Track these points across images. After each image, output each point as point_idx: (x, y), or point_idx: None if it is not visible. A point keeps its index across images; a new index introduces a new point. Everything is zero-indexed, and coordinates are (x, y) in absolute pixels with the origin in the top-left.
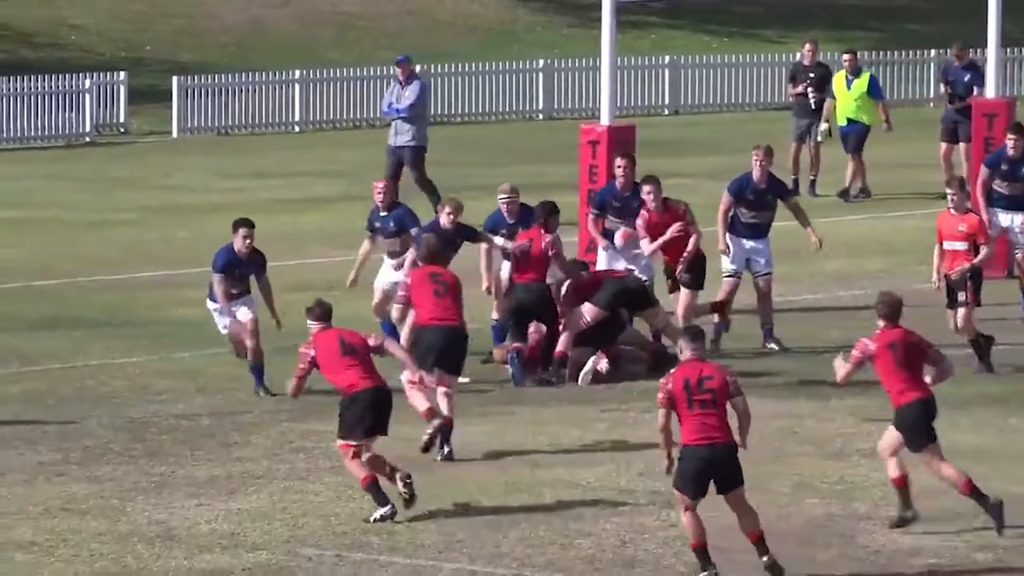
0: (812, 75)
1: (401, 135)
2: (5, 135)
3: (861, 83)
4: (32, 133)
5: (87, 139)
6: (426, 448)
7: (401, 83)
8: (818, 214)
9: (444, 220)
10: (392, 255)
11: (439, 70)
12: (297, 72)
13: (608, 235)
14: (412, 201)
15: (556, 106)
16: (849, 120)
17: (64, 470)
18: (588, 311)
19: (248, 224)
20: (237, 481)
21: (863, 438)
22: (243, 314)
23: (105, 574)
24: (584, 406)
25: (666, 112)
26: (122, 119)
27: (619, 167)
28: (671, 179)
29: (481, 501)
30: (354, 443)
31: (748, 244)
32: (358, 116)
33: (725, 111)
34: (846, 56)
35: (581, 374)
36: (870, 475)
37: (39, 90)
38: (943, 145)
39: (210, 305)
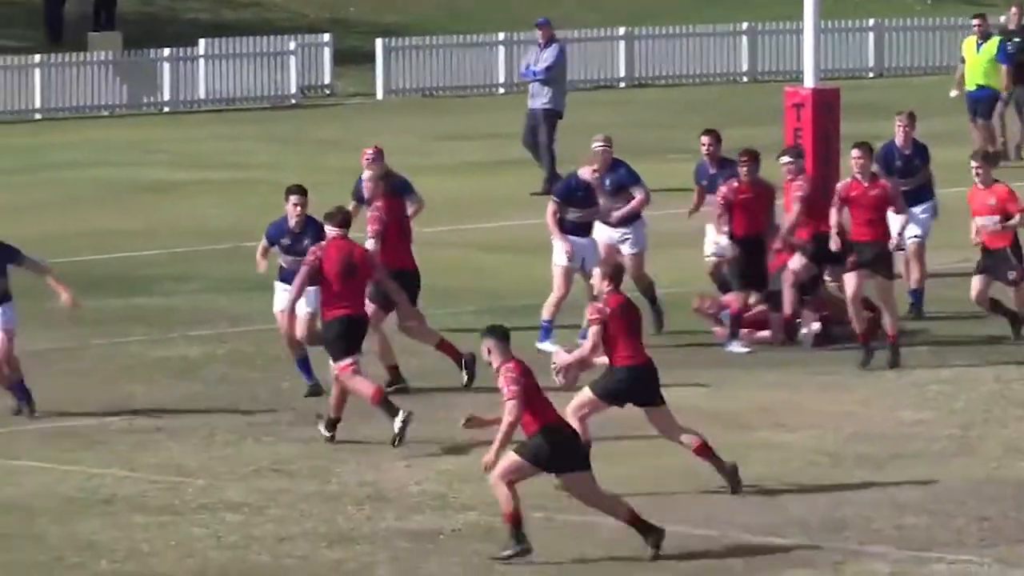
0: (1018, 39)
1: (538, 97)
2: (211, 96)
3: (990, 47)
4: (238, 94)
5: (292, 101)
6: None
7: (540, 46)
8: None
9: (587, 174)
10: None
11: (643, 32)
12: (501, 34)
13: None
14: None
15: (760, 68)
16: (979, 85)
17: (273, 431)
18: (797, 264)
19: (299, 191)
20: (445, 442)
21: None
22: (299, 307)
23: (315, 534)
24: (791, 368)
25: (871, 75)
26: (327, 81)
27: (703, 144)
28: (875, 141)
29: (688, 463)
30: (350, 361)
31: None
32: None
33: (930, 73)
34: (976, 20)
35: (801, 335)
36: None
37: (244, 52)
38: None
39: (278, 285)
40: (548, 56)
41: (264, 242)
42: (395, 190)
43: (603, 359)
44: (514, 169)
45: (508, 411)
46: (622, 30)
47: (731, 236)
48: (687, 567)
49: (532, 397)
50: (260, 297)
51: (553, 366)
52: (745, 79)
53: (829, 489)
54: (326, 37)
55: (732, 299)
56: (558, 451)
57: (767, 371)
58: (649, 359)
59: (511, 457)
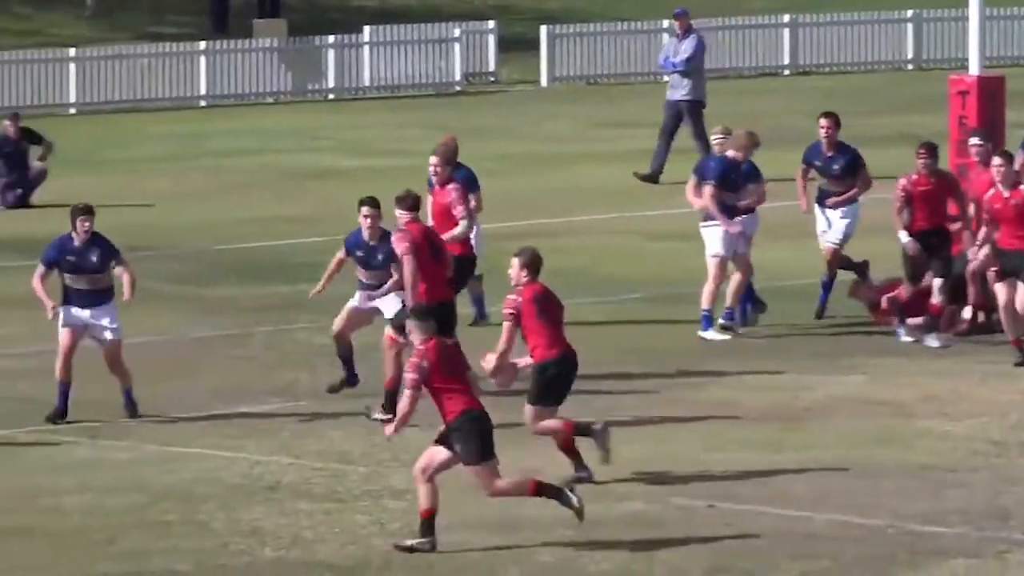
0: None
1: (678, 89)
2: (376, 83)
3: None
4: (402, 81)
5: (456, 88)
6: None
7: (679, 36)
8: None
9: (735, 153)
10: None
11: (807, 19)
12: (665, 22)
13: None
14: (686, 155)
15: (925, 56)
16: None
17: (435, 418)
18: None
19: (371, 203)
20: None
21: None
22: (388, 308)
23: (477, 521)
24: (956, 358)
25: None
26: (491, 68)
27: (821, 127)
28: None
29: (852, 452)
30: (400, 339)
31: None
32: (728, 65)
33: None
34: None
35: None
36: None
37: (408, 39)
38: None
39: (359, 294)
40: (687, 47)
41: (342, 252)
42: (463, 181)
43: (528, 360)
44: (677, 157)
45: (404, 400)
46: (786, 17)
47: (910, 230)
48: (850, 555)
49: (447, 380)
50: None
51: (484, 364)
52: (910, 67)
53: (993, 478)
54: (491, 24)
55: (902, 289)
56: (478, 439)
57: (929, 360)
58: (571, 349)
59: (433, 450)
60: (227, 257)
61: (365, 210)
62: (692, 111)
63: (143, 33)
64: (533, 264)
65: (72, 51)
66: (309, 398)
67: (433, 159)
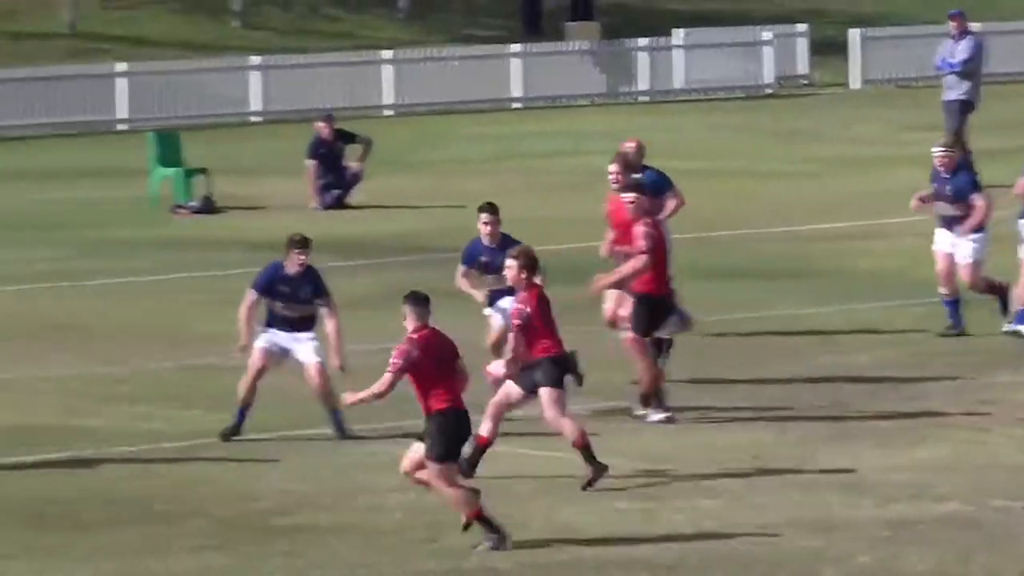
0: None
1: (954, 90)
2: (687, 86)
3: None
4: (713, 84)
5: (768, 91)
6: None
7: (954, 37)
8: None
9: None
10: None
11: None
12: (975, 25)
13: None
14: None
15: None
16: None
17: (749, 416)
18: None
19: (490, 209)
20: (921, 431)
21: None
22: (495, 317)
23: (793, 521)
24: None
25: None
26: (802, 71)
27: None
28: None
29: None
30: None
31: None
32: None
33: None
34: None
35: None
36: None
37: (719, 41)
38: None
39: (487, 311)
40: (964, 48)
41: (461, 267)
42: (652, 184)
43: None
44: (984, 159)
45: (380, 381)
46: None
47: None
48: None
49: (433, 375)
50: (732, 287)
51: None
52: None
53: None
54: (801, 27)
55: None
56: (452, 438)
57: None
58: (563, 348)
59: (431, 466)
60: (542, 259)
61: (484, 216)
62: (961, 110)
63: (456, 35)
64: (532, 265)
65: (388, 53)
66: (619, 397)
67: (613, 166)
